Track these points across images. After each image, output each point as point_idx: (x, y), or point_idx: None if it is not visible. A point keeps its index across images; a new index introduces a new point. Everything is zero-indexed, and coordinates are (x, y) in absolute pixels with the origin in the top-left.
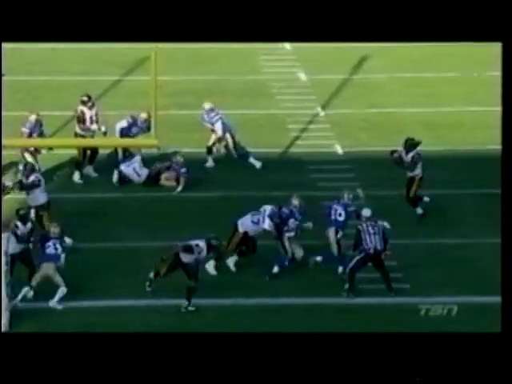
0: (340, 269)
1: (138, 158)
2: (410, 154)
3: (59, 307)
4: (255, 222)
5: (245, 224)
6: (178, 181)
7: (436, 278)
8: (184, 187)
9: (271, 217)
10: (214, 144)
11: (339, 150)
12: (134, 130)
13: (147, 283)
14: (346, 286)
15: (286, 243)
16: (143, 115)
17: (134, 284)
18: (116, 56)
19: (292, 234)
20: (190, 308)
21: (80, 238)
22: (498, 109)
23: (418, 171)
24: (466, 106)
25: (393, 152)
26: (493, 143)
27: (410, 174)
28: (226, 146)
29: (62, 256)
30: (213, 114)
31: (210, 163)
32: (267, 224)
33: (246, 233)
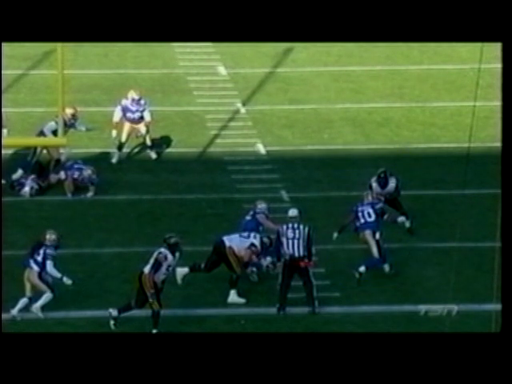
0: (386, 268)
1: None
2: (392, 184)
3: (40, 314)
4: (244, 236)
5: (233, 241)
6: (75, 184)
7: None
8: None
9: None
10: (127, 139)
11: (261, 149)
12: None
13: (112, 322)
14: (277, 305)
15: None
16: (69, 110)
17: None
18: (18, 48)
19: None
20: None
21: None
22: (429, 104)
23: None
24: (394, 101)
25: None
26: (424, 141)
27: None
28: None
29: (48, 263)
30: (143, 102)
31: (115, 159)
32: (258, 239)
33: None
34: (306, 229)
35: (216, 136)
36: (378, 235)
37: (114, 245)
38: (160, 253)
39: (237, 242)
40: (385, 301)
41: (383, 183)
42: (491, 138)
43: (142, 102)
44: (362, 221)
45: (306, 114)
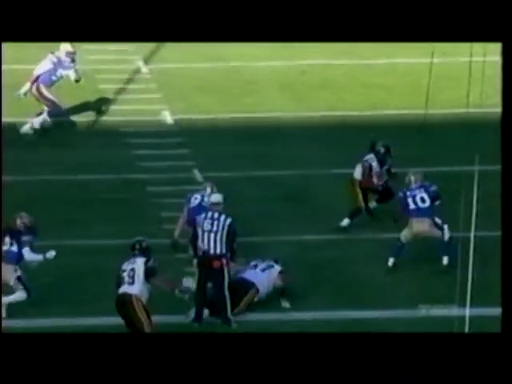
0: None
1: None
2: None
3: (4, 313)
4: (263, 268)
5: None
6: None
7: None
8: None
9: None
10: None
11: (168, 118)
12: None
13: None
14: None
15: None
16: None
17: None
18: None
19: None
20: None
21: None
22: (375, 61)
23: None
24: (333, 58)
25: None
26: (370, 107)
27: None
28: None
29: (25, 251)
30: (74, 56)
31: (27, 129)
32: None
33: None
34: (228, 221)
35: (111, 101)
36: (437, 220)
37: None
38: (148, 261)
39: (259, 279)
40: (323, 306)
41: (383, 160)
42: (452, 103)
43: (74, 56)
44: (413, 206)
45: (224, 74)
